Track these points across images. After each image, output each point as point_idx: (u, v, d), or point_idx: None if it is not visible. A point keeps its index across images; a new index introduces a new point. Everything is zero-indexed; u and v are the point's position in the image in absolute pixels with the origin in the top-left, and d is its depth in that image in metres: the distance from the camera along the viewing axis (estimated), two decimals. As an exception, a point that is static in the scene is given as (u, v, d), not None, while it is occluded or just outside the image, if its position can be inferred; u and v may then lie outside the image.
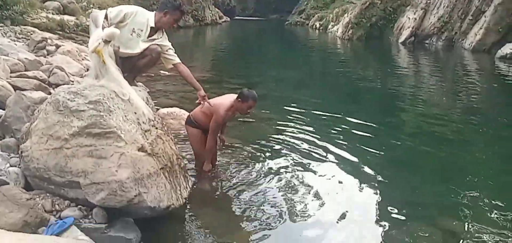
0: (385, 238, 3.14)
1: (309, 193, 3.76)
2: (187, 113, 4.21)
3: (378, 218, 3.41)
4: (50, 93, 3.85)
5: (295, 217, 3.40)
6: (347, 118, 6.17)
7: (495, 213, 3.49)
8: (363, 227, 3.30)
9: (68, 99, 2.83)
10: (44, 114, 2.87)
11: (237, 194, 3.70)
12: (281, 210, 3.47)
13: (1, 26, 7.36)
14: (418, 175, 4.39)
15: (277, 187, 3.85)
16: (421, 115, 6.87)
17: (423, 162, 4.82)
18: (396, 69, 12.41)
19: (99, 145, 2.72)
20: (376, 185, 3.98)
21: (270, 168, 4.23)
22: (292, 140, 5.09)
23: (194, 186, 3.72)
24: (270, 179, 3.98)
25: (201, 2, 29.73)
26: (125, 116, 2.90)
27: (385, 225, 3.31)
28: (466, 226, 3.30)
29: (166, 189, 2.92)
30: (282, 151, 4.73)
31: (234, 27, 34.14)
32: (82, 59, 6.86)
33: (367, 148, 4.92)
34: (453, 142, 5.40)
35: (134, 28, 3.43)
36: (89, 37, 3.32)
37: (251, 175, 4.05)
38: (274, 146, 4.85)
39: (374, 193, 3.84)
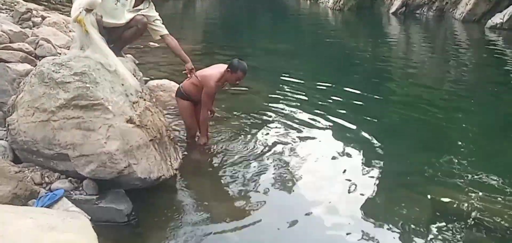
0: (373, 206, 3.20)
1: (300, 163, 3.80)
2: (177, 85, 4.18)
3: (366, 186, 3.46)
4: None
5: (286, 187, 3.44)
6: (337, 89, 6.18)
7: (483, 180, 3.57)
8: (352, 195, 3.35)
9: (53, 71, 2.78)
10: (30, 86, 2.83)
11: (228, 165, 3.72)
12: (272, 181, 3.50)
13: (-18, -3, 7.13)
14: (407, 144, 4.45)
15: (268, 158, 3.87)
16: (411, 85, 6.91)
17: (412, 131, 4.88)
18: (387, 40, 12.39)
19: (86, 117, 2.70)
20: (366, 154, 4.03)
21: (261, 140, 4.25)
22: (283, 111, 5.09)
23: (185, 158, 3.73)
24: (261, 150, 4.00)
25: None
26: (112, 87, 2.87)
27: (373, 193, 3.37)
28: (454, 193, 3.36)
29: (156, 160, 2.92)
30: (273, 123, 4.74)
31: (225, -2, 33.52)
32: (70, 31, 6.69)
33: (356, 118, 4.95)
34: (442, 112, 5.45)
35: None
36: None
37: (242, 146, 4.07)
38: (265, 118, 4.86)
39: (364, 162, 3.88)
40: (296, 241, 2.84)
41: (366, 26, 16.29)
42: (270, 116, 4.91)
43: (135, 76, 3.27)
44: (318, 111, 5.11)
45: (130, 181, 2.79)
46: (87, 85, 2.77)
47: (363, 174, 3.66)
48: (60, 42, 5.66)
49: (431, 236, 2.85)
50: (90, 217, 2.49)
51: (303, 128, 4.59)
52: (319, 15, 18.80)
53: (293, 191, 3.40)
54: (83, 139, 2.69)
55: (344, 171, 3.77)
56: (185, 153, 3.84)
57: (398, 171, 3.81)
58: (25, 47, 4.54)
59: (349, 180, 3.56)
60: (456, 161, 3.93)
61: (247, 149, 4.02)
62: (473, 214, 3.10)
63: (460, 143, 4.43)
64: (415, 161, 4.02)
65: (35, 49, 4.70)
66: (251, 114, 4.91)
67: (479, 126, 5.11)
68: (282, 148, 4.07)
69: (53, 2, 9.19)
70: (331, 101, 5.65)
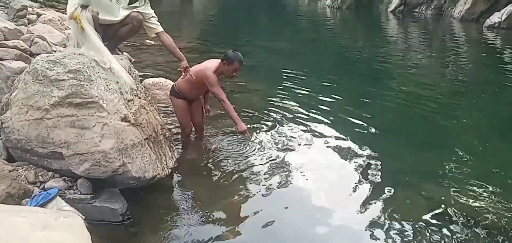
0: (371, 205, 3.19)
1: (297, 162, 3.78)
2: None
3: (365, 185, 3.45)
4: (31, 63, 3.75)
5: (283, 186, 3.42)
6: (335, 87, 6.18)
7: (480, 180, 3.55)
8: (351, 194, 3.34)
9: (47, 68, 2.76)
10: (23, 84, 2.80)
11: (224, 164, 3.70)
12: (268, 179, 3.49)
13: (-23, -6, 7.09)
14: (405, 143, 4.44)
15: (265, 157, 3.85)
16: (409, 84, 6.89)
17: (411, 129, 4.88)
18: (385, 38, 12.37)
19: (81, 115, 2.68)
20: (364, 153, 4.01)
21: (258, 138, 4.23)
22: (281, 110, 5.07)
23: (180, 157, 3.71)
24: (258, 149, 3.99)
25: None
26: (107, 85, 2.84)
27: (371, 192, 3.36)
28: (452, 192, 3.36)
29: (151, 159, 2.90)
30: (271, 121, 4.72)
31: (223, -5, 33.44)
32: (65, 28, 6.64)
33: (355, 116, 4.94)
34: (440, 110, 5.44)
35: None
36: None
37: (239, 145, 4.04)
38: (262, 116, 4.84)
39: (362, 161, 3.87)
40: (293, 240, 2.83)
41: (364, 25, 16.28)
42: (267, 115, 4.89)
43: (130, 74, 3.24)
44: (316, 110, 5.10)
45: (124, 180, 2.77)
46: (82, 83, 2.74)
47: (361, 173, 3.64)
48: (56, 39, 5.61)
49: (429, 236, 2.84)
50: (84, 217, 2.47)
51: (300, 127, 4.58)
52: (317, 14, 18.77)
53: (290, 190, 3.39)
54: (77, 138, 2.66)
55: (343, 170, 3.77)
56: (180, 151, 3.82)
57: (397, 170, 3.79)
58: (20, 44, 4.49)
59: (348, 179, 3.55)
60: (455, 160, 3.92)
61: (244, 148, 4.00)
62: (472, 213, 3.08)
63: (458, 142, 4.42)
64: (413, 160, 4.01)
65: (30, 46, 4.66)
66: (249, 112, 4.89)
67: (478, 125, 5.11)
68: (279, 147, 4.06)
69: (49, -1, 9.13)
70: (329, 99, 5.64)
